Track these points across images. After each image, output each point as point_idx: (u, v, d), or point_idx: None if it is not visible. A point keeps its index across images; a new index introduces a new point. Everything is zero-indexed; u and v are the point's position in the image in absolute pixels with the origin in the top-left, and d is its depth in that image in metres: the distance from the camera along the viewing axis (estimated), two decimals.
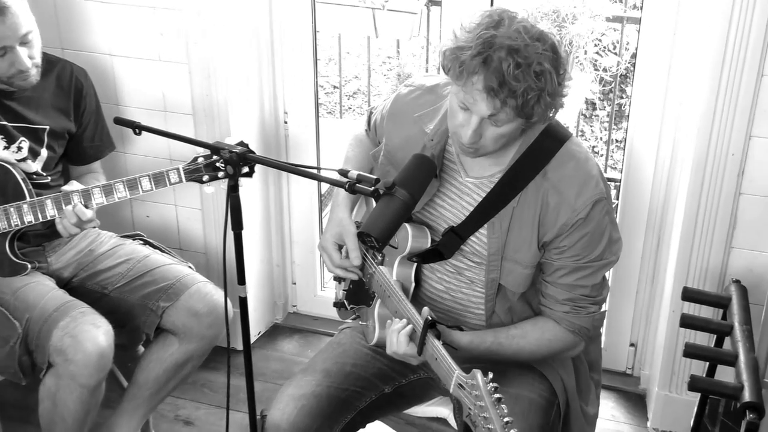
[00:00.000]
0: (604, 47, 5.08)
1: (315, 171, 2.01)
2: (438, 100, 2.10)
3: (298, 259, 3.42)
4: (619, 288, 3.02)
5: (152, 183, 2.30)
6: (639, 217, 2.89)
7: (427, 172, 1.92)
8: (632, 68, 2.80)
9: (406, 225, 2.09)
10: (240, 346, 2.74)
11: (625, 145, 2.86)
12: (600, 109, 5.36)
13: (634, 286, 3.00)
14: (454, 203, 2.08)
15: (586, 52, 4.89)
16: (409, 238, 2.08)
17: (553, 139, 1.99)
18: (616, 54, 4.98)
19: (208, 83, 2.90)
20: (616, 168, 4.86)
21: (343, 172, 1.88)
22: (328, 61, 6.20)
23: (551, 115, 1.89)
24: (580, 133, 5.27)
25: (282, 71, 3.10)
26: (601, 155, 5.05)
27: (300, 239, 3.38)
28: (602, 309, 2.11)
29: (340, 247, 2.20)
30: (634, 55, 2.94)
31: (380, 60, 6.21)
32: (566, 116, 4.48)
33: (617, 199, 2.98)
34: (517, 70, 1.77)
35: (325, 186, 3.82)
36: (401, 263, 2.12)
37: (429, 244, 2.11)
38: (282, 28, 3.04)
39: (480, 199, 2.03)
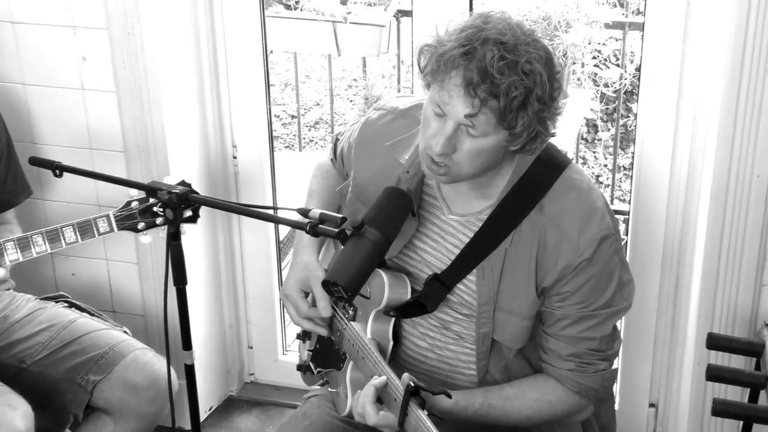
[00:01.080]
0: (605, 59, 5.15)
1: (271, 212, 2.01)
2: (413, 125, 2.10)
3: (254, 318, 3.40)
4: (633, 339, 3.02)
5: (77, 234, 2.28)
6: (653, 254, 2.89)
7: (401, 207, 1.93)
8: (638, 82, 2.82)
9: (382, 273, 2.09)
10: (188, 425, 2.70)
11: (633, 173, 2.88)
12: (603, 131, 5.41)
13: (650, 335, 3.00)
14: (437, 245, 2.08)
15: (583, 65, 4.95)
16: (386, 288, 2.08)
17: (550, 167, 2.00)
18: (618, 66, 5.05)
19: (141, 114, 2.89)
20: (624, 199, 4.90)
21: (304, 212, 1.88)
22: (285, 87, 6.23)
23: (540, 138, 1.90)
24: (581, 160, 5.32)
25: (229, 98, 3.11)
26: (607, 185, 5.10)
27: (256, 294, 3.36)
28: (614, 365, 2.10)
29: (306, 295, 2.20)
30: (639, 67, 2.97)
31: (345, 83, 6.25)
32: (564, 140, 4.51)
33: (626, 234, 2.99)
34: (502, 62, 1.79)
35: (284, 230, 3.81)
36: (377, 318, 2.11)
37: (409, 295, 2.10)
38: (227, 48, 3.05)
39: (467, 240, 2.03)
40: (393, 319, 2.13)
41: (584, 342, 2.03)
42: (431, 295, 2.07)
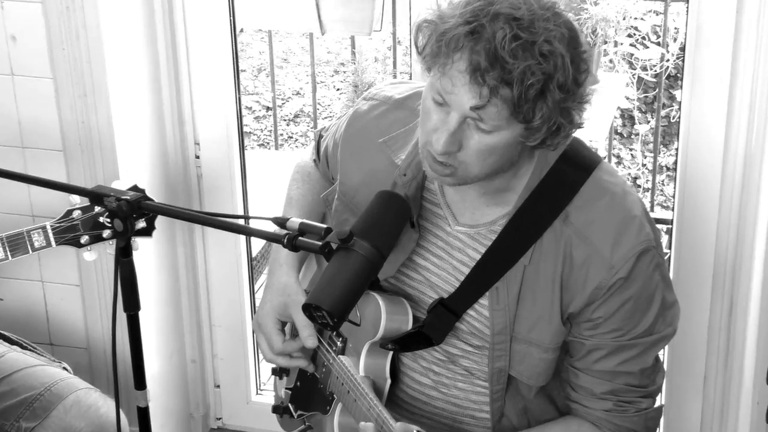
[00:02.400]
0: (642, 36, 5.17)
1: (241, 222, 2.02)
2: (411, 117, 2.11)
3: (222, 351, 3.40)
4: (679, 372, 3.02)
5: (6, 249, 2.28)
6: (701, 272, 2.90)
7: (398, 215, 1.93)
8: (682, 64, 2.83)
9: (377, 297, 2.10)
10: None
11: (677, 174, 2.88)
12: (641, 124, 5.43)
13: (700, 369, 3.00)
14: (442, 263, 2.09)
15: (617, 45, 4.97)
16: (383, 316, 2.08)
17: (576, 167, 2.01)
18: (658, 45, 5.07)
19: (84, 105, 2.89)
20: (667, 206, 4.91)
21: (281, 222, 1.88)
22: (258, 73, 6.25)
23: (563, 132, 1.89)
24: (614, 159, 5.33)
25: (190, 87, 3.11)
26: (646, 189, 5.12)
27: (224, 322, 3.37)
28: (656, 403, 2.10)
29: (283, 325, 2.19)
30: (683, 46, 2.97)
31: (330, 68, 6.26)
32: (593, 135, 4.53)
33: (669, 248, 2.99)
34: (515, 42, 1.77)
35: (258, 244, 3.81)
36: (371, 351, 2.12)
37: (410, 324, 2.10)
38: (188, 26, 3.05)
39: (477, 257, 2.04)
40: (391, 352, 2.13)
41: (622, 377, 2.03)
42: (437, 324, 2.07)
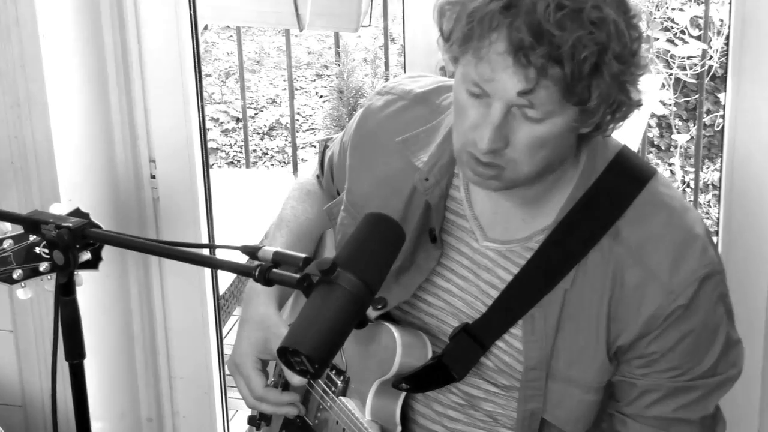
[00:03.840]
0: (681, 30, 5.19)
1: (205, 253, 2.02)
2: (433, 115, 2.13)
3: (184, 407, 3.40)
4: (728, 428, 3.01)
5: None
6: (753, 312, 2.91)
7: (389, 242, 1.92)
8: (727, 62, 2.83)
9: (390, 327, 2.10)
10: None
11: (721, 193, 2.90)
12: (681, 133, 5.45)
13: (753, 423, 3.01)
14: (468, 285, 2.10)
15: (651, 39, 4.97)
16: (398, 348, 2.09)
17: (628, 177, 2.02)
18: (699, 40, 5.08)
19: (18, 116, 2.89)
20: (712, 229, 4.91)
21: (251, 250, 1.88)
22: (225, 78, 6.27)
23: (621, 112, 1.89)
24: None
25: (143, 94, 3.13)
26: None
27: (186, 373, 3.37)
28: None
29: (265, 365, 2.20)
30: (727, 42, 2.98)
31: (311, 71, 6.28)
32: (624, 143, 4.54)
33: None
34: (561, 12, 1.77)
35: (226, 279, 3.80)
36: (381, 391, 2.12)
37: (428, 356, 2.11)
38: (141, 23, 3.06)
39: (509, 279, 2.05)
40: (403, 393, 2.14)
41: (678, 425, 2.04)
42: (459, 355, 2.08)
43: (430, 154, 2.11)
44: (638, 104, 1.91)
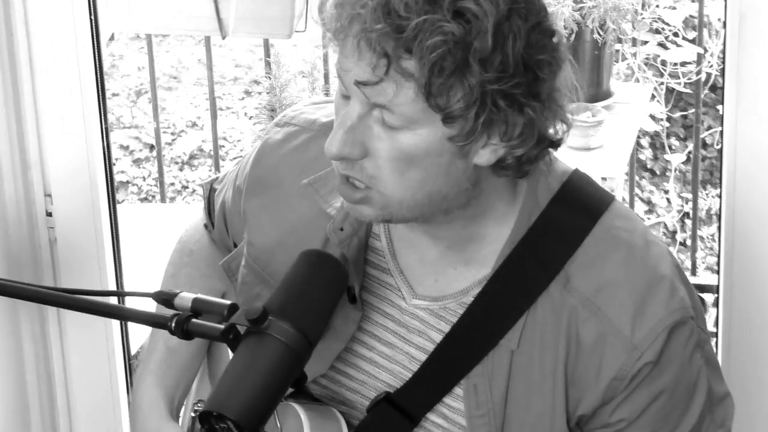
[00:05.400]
0: (673, 32, 5.21)
1: (113, 301, 2.02)
2: None
3: None
4: None
5: None
6: (762, 358, 2.93)
7: (329, 283, 1.93)
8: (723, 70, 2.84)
9: (296, 408, 2.10)
10: None
11: (721, 223, 2.92)
12: (675, 152, 5.46)
13: None
14: (395, 353, 2.10)
15: (636, 43, 5.00)
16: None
17: (578, 210, 2.02)
18: (694, 43, 5.10)
19: None
20: (713, 268, 4.93)
21: (166, 297, 1.89)
22: (136, 97, 6.25)
23: (521, 136, 1.84)
24: (640, 203, 5.37)
25: (36, 117, 3.14)
26: (681, 243, 5.14)
27: None
28: None
29: None
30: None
31: (238, 88, 6.26)
32: (607, 168, 4.56)
33: (715, 325, 3.01)
34: None
35: (140, 333, 3.80)
36: None
37: None
38: (32, 32, 3.07)
39: (441, 339, 2.04)
40: None
41: None
42: (381, 431, 2.08)
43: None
44: (551, 143, 1.89)
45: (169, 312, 1.87)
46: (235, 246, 2.28)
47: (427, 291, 2.07)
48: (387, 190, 1.89)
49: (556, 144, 1.92)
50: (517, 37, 1.79)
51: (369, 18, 1.75)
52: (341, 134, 1.85)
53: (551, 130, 1.89)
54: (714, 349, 2.14)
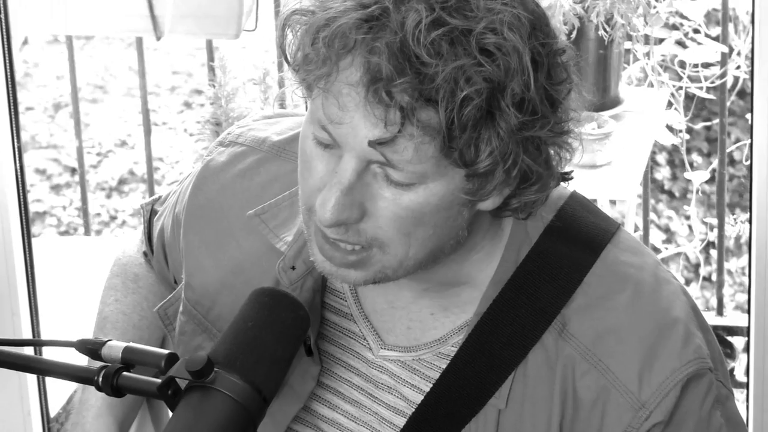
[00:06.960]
0: (694, 29, 5.24)
1: (29, 351, 2.03)
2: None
3: None
4: None
5: None
6: None
7: (284, 328, 1.94)
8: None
9: None
10: None
11: (750, 254, 2.97)
12: (697, 170, 5.49)
13: None
14: (362, 413, 2.12)
15: (649, 41, 5.02)
16: None
17: (575, 244, 2.04)
18: (717, 41, 5.13)
19: None
20: (739, 305, 4.96)
21: (91, 348, 1.89)
22: (55, 111, 6.26)
23: (537, 184, 1.87)
24: (657, 232, 5.38)
25: None
26: (705, 277, 5.16)
27: None
28: None
29: None
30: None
31: (177, 99, 6.28)
32: (617, 189, 4.58)
33: (746, 374, 3.03)
34: (437, 31, 1.74)
35: (60, 392, 3.81)
36: None
37: None
38: None
39: (420, 399, 2.06)
40: None
41: None
42: None
43: (295, 232, 2.10)
44: (561, 177, 1.92)
45: (97, 364, 1.88)
46: (176, 283, 2.29)
47: (398, 340, 2.09)
48: (390, 251, 1.89)
49: (567, 178, 1.94)
50: (539, 68, 1.81)
51: (383, 65, 1.74)
52: (337, 197, 1.82)
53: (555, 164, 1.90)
54: (742, 403, 2.15)
